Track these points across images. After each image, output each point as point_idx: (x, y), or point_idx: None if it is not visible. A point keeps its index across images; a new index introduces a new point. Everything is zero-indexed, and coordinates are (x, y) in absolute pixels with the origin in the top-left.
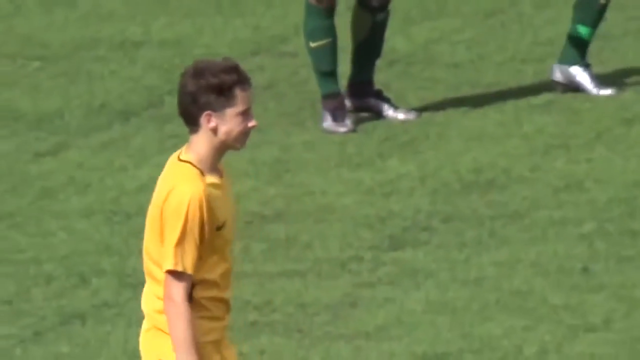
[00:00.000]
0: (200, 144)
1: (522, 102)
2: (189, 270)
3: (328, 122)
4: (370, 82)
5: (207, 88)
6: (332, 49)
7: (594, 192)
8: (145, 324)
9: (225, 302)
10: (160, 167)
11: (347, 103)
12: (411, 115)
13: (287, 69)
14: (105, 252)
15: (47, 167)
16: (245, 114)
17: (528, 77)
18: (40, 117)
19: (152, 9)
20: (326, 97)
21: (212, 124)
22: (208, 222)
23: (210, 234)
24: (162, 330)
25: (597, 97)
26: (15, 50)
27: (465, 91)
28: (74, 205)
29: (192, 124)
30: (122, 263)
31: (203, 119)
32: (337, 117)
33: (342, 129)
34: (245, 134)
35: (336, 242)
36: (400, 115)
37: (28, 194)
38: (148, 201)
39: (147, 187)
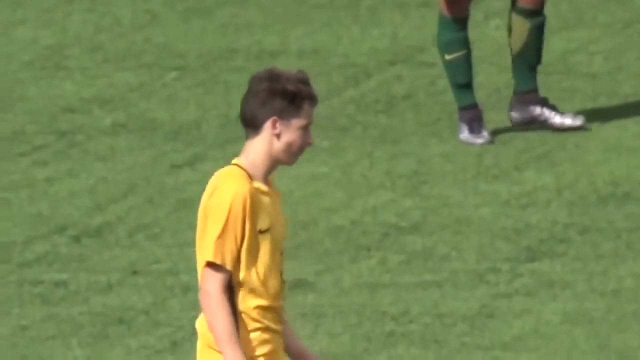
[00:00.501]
0: (256, 150)
1: None
2: (228, 266)
3: (465, 134)
4: (535, 90)
5: (281, 93)
6: (466, 61)
7: None
8: (198, 343)
9: (275, 311)
10: (296, 178)
11: (513, 115)
12: (578, 121)
13: (425, 79)
14: None
15: (184, 178)
16: (306, 129)
17: None
18: (177, 128)
19: (290, 19)
20: (463, 109)
21: (277, 130)
22: (250, 222)
23: (252, 236)
24: (213, 348)
25: None
26: (152, 61)
27: (603, 102)
28: None
29: (255, 127)
30: None
31: (268, 124)
32: (474, 129)
33: (479, 141)
34: (301, 149)
35: (473, 254)
36: (567, 121)
37: (165, 206)
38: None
39: (283, 197)
